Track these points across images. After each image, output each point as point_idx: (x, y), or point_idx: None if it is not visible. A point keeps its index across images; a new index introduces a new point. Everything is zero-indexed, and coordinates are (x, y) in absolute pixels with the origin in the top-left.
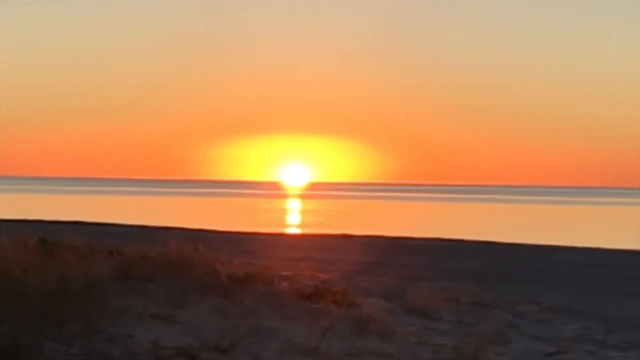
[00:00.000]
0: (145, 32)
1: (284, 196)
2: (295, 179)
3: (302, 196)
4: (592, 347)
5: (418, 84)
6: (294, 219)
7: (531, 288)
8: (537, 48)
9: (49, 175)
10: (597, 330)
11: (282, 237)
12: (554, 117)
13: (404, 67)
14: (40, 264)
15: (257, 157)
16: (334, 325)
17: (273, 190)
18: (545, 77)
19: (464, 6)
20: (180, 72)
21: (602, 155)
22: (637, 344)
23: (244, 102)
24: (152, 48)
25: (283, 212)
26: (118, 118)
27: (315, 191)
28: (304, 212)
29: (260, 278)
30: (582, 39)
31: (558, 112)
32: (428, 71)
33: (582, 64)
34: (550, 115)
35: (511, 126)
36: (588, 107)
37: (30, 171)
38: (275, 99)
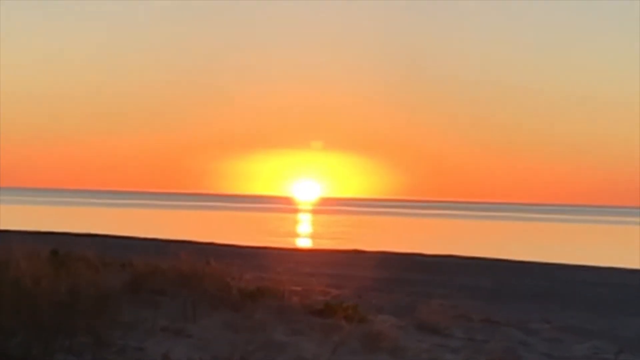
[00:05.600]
0: (158, 43)
1: (295, 211)
2: (306, 194)
3: (313, 211)
4: None
5: (430, 100)
6: (305, 234)
7: (543, 306)
8: (551, 63)
9: (61, 187)
10: (608, 349)
11: (293, 252)
12: (569, 134)
13: (416, 83)
14: (52, 275)
15: (268, 171)
16: (345, 341)
17: (284, 205)
18: (562, 92)
19: (478, 17)
20: (193, 85)
21: (615, 173)
22: None
23: (256, 116)
24: (165, 60)
25: (294, 227)
26: (130, 130)
27: (326, 206)
28: (315, 227)
29: (271, 293)
30: (593, 50)
31: (574, 128)
32: (440, 87)
33: (596, 76)
34: (565, 132)
35: (524, 143)
36: (606, 124)
37: (43, 183)
38: (287, 114)
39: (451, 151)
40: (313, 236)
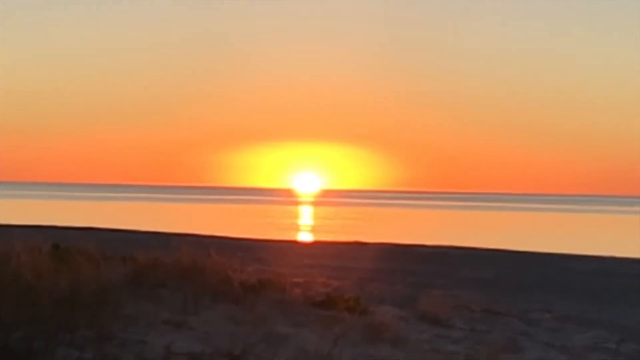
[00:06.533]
0: (160, 37)
1: (297, 203)
2: (307, 186)
3: (315, 203)
4: (605, 355)
5: (431, 91)
6: (306, 226)
7: (544, 296)
8: (549, 56)
9: (62, 181)
10: (610, 339)
11: (294, 244)
12: (569, 124)
13: (416, 75)
14: (53, 269)
15: (269, 164)
16: (346, 333)
17: (285, 198)
18: (560, 84)
19: (478, 13)
20: (194, 79)
21: (617, 163)
22: None
23: (257, 109)
24: (167, 53)
25: (295, 219)
26: (132, 124)
27: (327, 198)
28: (316, 219)
29: (273, 285)
30: (589, 45)
31: (573, 120)
32: (441, 79)
33: (594, 69)
34: (564, 123)
35: (526, 134)
36: (605, 113)
37: (44, 177)
38: (288, 107)
39: (451, 143)
40: (314, 228)
